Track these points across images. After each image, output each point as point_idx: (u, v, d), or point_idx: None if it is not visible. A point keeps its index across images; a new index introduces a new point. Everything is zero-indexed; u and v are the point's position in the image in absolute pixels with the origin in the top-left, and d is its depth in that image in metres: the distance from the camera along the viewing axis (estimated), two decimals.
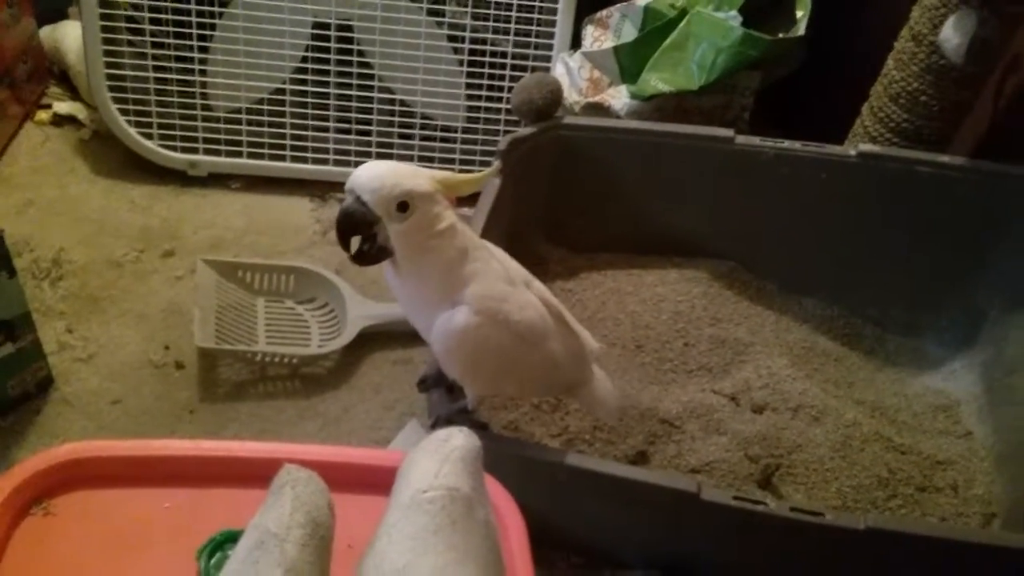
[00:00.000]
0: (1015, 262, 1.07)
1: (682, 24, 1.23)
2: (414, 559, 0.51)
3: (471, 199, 1.33)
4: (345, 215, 0.70)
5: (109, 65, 1.29)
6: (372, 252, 0.72)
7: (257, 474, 0.59)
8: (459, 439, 0.56)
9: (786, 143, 1.11)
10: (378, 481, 0.64)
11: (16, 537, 0.60)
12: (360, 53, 1.33)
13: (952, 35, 1.04)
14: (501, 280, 0.76)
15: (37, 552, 0.59)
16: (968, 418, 1.08)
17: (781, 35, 1.22)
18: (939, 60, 1.06)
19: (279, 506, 0.51)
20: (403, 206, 0.69)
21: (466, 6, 1.33)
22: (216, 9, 1.29)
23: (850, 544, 0.79)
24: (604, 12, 1.34)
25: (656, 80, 1.24)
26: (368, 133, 1.36)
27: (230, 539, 0.60)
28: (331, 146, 1.36)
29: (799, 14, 1.22)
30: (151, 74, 1.31)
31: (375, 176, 0.68)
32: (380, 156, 1.36)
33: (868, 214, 1.13)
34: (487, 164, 1.09)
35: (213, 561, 0.59)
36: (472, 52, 1.35)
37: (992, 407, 1.06)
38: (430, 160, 1.37)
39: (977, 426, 1.07)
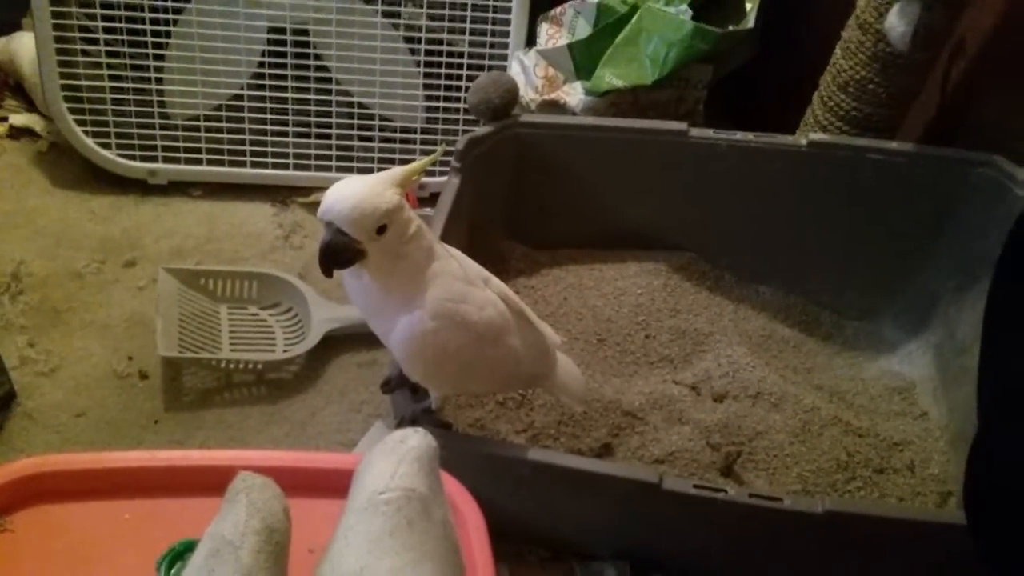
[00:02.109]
0: (964, 245, 1.09)
1: (634, 19, 1.24)
2: (371, 561, 0.51)
3: (431, 199, 1.35)
4: (329, 249, 0.69)
5: (64, 75, 1.29)
6: (347, 262, 0.71)
7: (216, 482, 0.60)
8: (415, 440, 0.57)
9: (739, 135, 1.12)
10: (338, 485, 0.65)
11: None
12: (317, 56, 1.33)
13: (897, 23, 1.05)
14: (459, 280, 0.77)
15: None
16: (923, 399, 1.10)
17: (731, 27, 1.23)
18: (885, 48, 1.08)
19: (234, 513, 0.52)
20: (382, 228, 0.69)
21: (421, 7, 1.33)
22: (171, 16, 1.29)
23: (810, 528, 0.81)
24: (558, 9, 1.35)
25: (610, 76, 1.25)
26: (328, 136, 1.36)
27: (189, 548, 0.60)
28: (291, 150, 1.36)
29: (748, 6, 1.24)
30: (107, 83, 1.31)
31: (353, 206, 0.68)
32: (340, 159, 1.37)
33: (821, 202, 1.14)
34: (447, 164, 1.10)
35: (173, 571, 0.60)
36: (428, 52, 1.35)
37: (946, 388, 1.09)
38: (390, 161, 1.37)
39: (932, 407, 1.09)
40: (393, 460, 0.55)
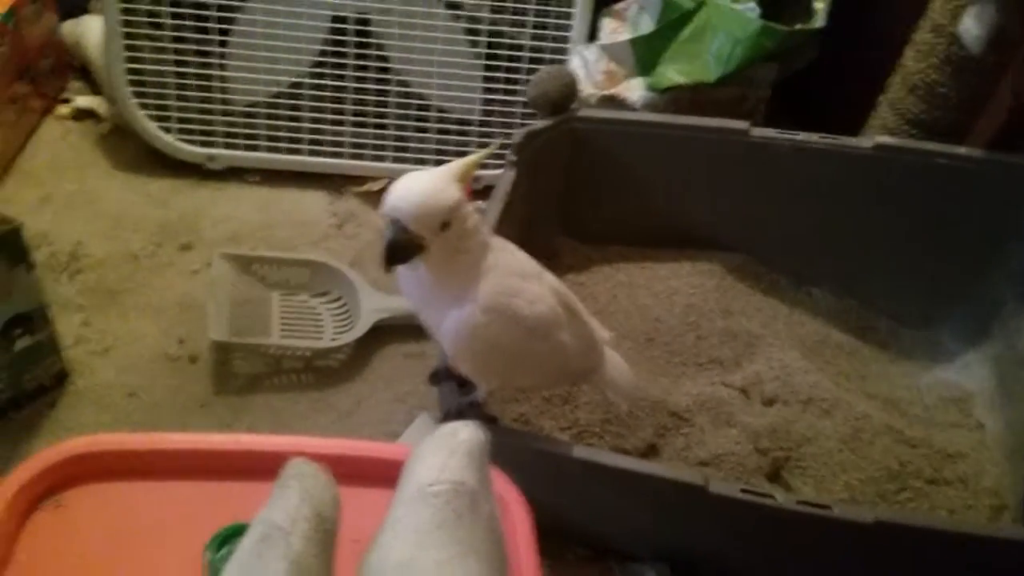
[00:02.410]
0: None
1: (699, 16, 1.23)
2: (418, 553, 0.51)
3: (485, 192, 1.35)
4: (394, 246, 0.69)
5: (129, 60, 1.31)
6: (408, 258, 0.71)
7: (266, 467, 0.60)
8: (466, 433, 0.57)
9: (802, 135, 1.10)
10: (386, 475, 0.65)
11: (27, 530, 0.61)
12: (378, 47, 1.33)
13: (972, 25, 1.03)
14: (513, 274, 0.77)
15: (48, 545, 0.60)
16: (980, 411, 1.08)
17: (799, 26, 1.21)
18: (958, 51, 1.05)
19: (285, 499, 0.52)
20: (445, 224, 0.69)
21: None
22: (236, 3, 1.30)
23: (859, 537, 0.79)
24: (621, 4, 1.34)
25: (672, 72, 1.23)
26: (384, 126, 1.37)
27: (238, 532, 0.60)
28: (347, 139, 1.36)
29: (818, 5, 1.22)
30: (171, 68, 1.32)
31: (419, 203, 0.67)
32: (396, 149, 1.37)
33: (883, 206, 1.12)
34: (502, 156, 1.09)
35: (220, 554, 0.60)
36: (489, 45, 1.35)
37: (1004, 400, 1.06)
38: (446, 152, 1.38)
39: (989, 419, 1.06)
40: (444, 452, 0.55)
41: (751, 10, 1.19)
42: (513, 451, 0.82)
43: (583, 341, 0.82)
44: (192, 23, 1.31)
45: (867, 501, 0.95)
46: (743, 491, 0.79)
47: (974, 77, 1.06)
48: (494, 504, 0.57)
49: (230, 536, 0.61)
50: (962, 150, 1.08)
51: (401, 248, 0.69)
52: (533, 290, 0.78)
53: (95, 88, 1.47)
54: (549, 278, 0.81)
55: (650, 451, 0.99)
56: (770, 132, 1.11)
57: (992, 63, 1.05)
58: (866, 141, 1.10)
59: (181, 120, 1.34)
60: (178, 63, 1.33)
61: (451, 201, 0.68)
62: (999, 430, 1.05)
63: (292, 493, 0.52)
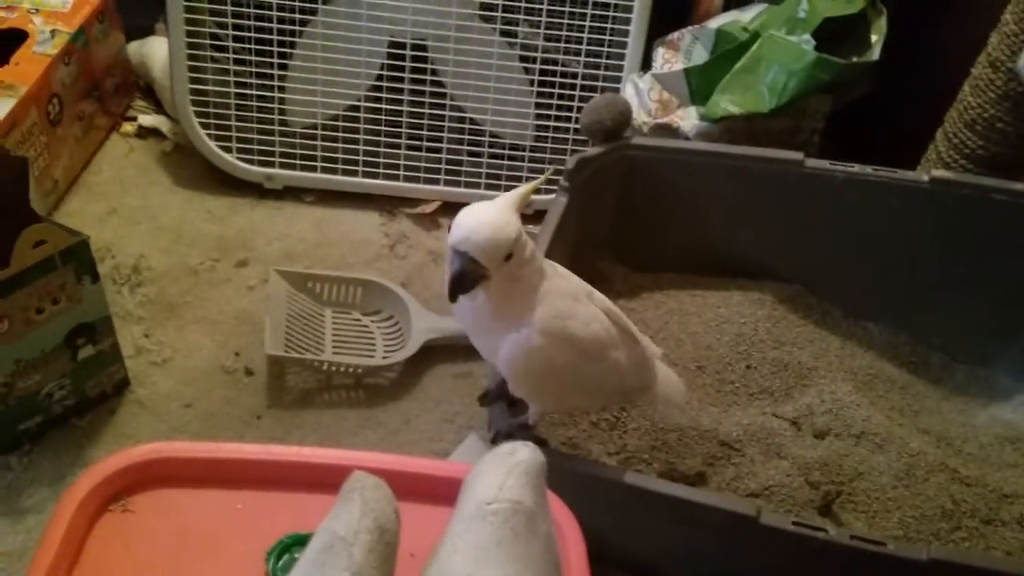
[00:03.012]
0: None
1: (754, 47, 1.23)
2: (477, 570, 0.52)
3: (536, 217, 1.36)
4: (460, 276, 0.70)
5: (193, 80, 1.34)
6: (472, 288, 0.72)
7: (325, 480, 0.61)
8: (524, 453, 0.58)
9: (856, 167, 1.10)
10: (441, 492, 0.66)
11: (96, 531, 0.63)
12: (433, 72, 1.36)
13: None
14: (566, 297, 0.78)
15: (116, 547, 0.62)
16: None
17: (855, 59, 1.21)
18: (1017, 87, 1.04)
19: (348, 511, 0.53)
20: (508, 255, 0.70)
21: (538, 27, 1.35)
22: (297, 28, 1.33)
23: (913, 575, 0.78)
24: (675, 34, 1.35)
25: (726, 102, 1.24)
26: (438, 150, 1.39)
27: (298, 542, 0.62)
28: (402, 162, 1.39)
29: (874, 38, 1.22)
30: (232, 89, 1.36)
31: (488, 237, 0.68)
32: (449, 172, 1.39)
33: (939, 240, 1.11)
34: (554, 182, 1.11)
35: (281, 563, 0.61)
36: (543, 72, 1.37)
37: None
38: (498, 177, 1.39)
39: None
40: (502, 472, 0.56)
41: (806, 42, 1.20)
42: (562, 475, 0.82)
43: (636, 359, 0.83)
44: (254, 46, 1.34)
45: (921, 539, 0.94)
46: (795, 523, 0.79)
47: None
48: (551, 525, 0.58)
49: (291, 545, 0.62)
50: (1019, 186, 1.07)
51: (468, 279, 0.70)
52: (586, 311, 0.78)
53: (159, 107, 1.51)
54: (599, 297, 0.82)
55: (699, 479, 0.99)
56: (824, 163, 1.11)
57: None
58: (922, 174, 1.09)
59: (241, 140, 1.37)
60: (239, 85, 1.36)
61: (515, 233, 0.70)
62: None
63: (355, 505, 0.53)
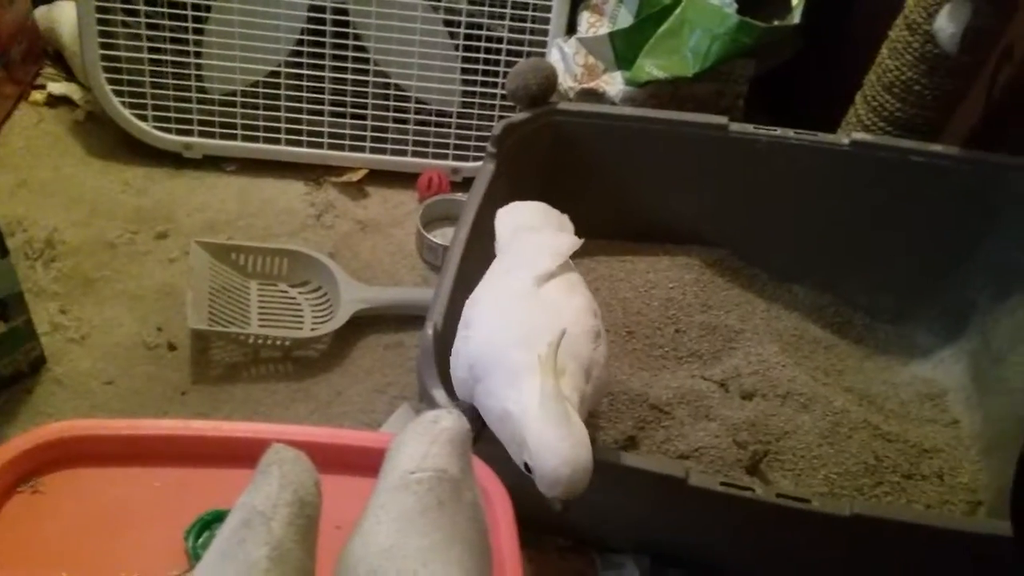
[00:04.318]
0: (1005, 252, 1.08)
1: (677, 11, 1.23)
2: (401, 540, 0.51)
3: (464, 184, 1.35)
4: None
5: (104, 46, 1.29)
6: None
7: (246, 454, 0.60)
8: (448, 421, 0.57)
9: (779, 131, 1.10)
10: (367, 463, 0.65)
11: (4, 514, 0.60)
12: (356, 37, 1.32)
13: (947, 24, 1.04)
14: None
15: (25, 529, 0.60)
16: (955, 407, 1.09)
17: (776, 23, 1.22)
18: (933, 49, 1.06)
19: (266, 485, 0.52)
20: None
21: None
22: None
23: (836, 530, 0.80)
24: None
25: (651, 66, 1.23)
26: (363, 117, 1.36)
27: (218, 519, 0.60)
28: (326, 129, 1.36)
29: (794, 2, 1.22)
30: (146, 55, 1.31)
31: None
32: (375, 140, 1.36)
33: (860, 203, 1.13)
34: (481, 149, 1.09)
35: (201, 540, 0.60)
36: (468, 37, 1.35)
37: (979, 396, 1.07)
38: (424, 144, 1.37)
39: (964, 415, 1.07)
40: (426, 440, 0.55)
41: (728, 6, 1.20)
42: (497, 444, 0.82)
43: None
44: (167, 9, 1.29)
45: (845, 495, 0.96)
46: (723, 484, 0.80)
47: (949, 76, 1.07)
48: (477, 493, 0.57)
49: (211, 522, 0.60)
50: (937, 147, 1.09)
51: None
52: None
53: (70, 75, 1.45)
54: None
55: (630, 443, 0.99)
56: (748, 128, 1.11)
57: (967, 62, 1.06)
58: (842, 137, 1.11)
59: (157, 108, 1.33)
60: (153, 50, 1.31)
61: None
62: (974, 426, 1.06)
63: (273, 479, 0.52)
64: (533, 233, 0.91)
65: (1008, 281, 1.06)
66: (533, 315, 0.76)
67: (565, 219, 0.98)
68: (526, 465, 0.66)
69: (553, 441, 0.64)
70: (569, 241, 0.89)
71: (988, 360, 1.07)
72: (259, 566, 0.47)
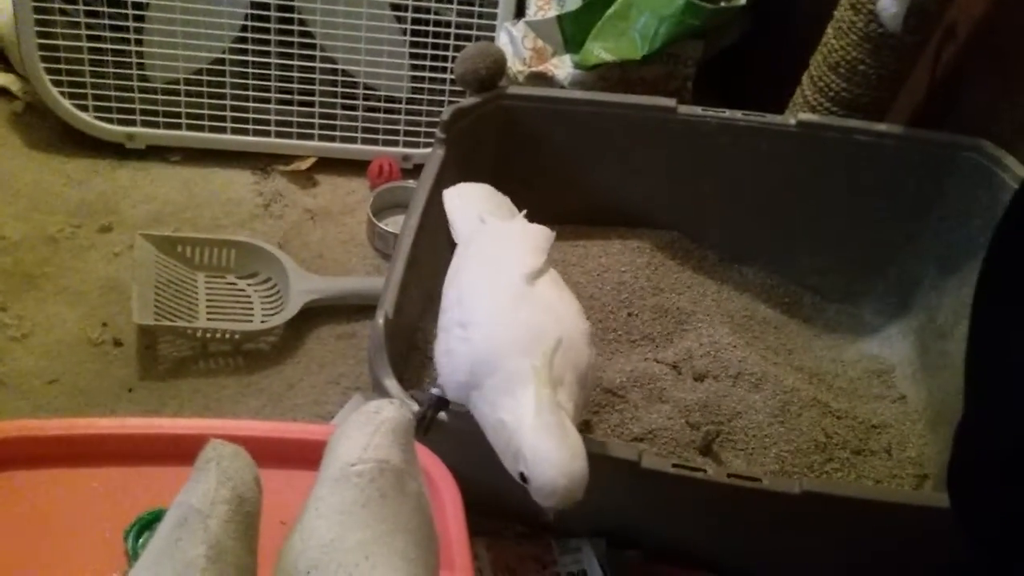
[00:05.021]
0: (948, 229, 1.09)
1: None
2: (342, 533, 0.50)
3: (415, 171, 1.34)
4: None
5: (41, 35, 1.26)
6: None
7: (187, 451, 0.58)
8: (389, 411, 0.56)
9: (727, 113, 1.11)
10: (311, 456, 0.63)
11: None
12: (301, 22, 1.30)
13: (890, 4, 1.04)
14: None
15: None
16: (902, 382, 1.10)
17: (723, 4, 1.22)
18: (877, 29, 1.07)
19: (204, 482, 0.51)
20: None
21: None
22: None
23: (788, 508, 0.81)
24: None
25: (599, 50, 1.23)
26: (311, 104, 1.34)
27: (158, 518, 0.58)
28: (273, 117, 1.34)
29: None
30: (85, 44, 1.28)
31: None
32: (323, 127, 1.35)
33: (807, 183, 1.14)
34: (432, 135, 1.08)
35: (141, 541, 0.59)
36: (415, 21, 1.33)
37: (925, 372, 1.09)
38: (374, 131, 1.36)
39: (911, 390, 1.09)
40: (367, 431, 0.54)
41: None
42: (450, 431, 0.82)
43: None
44: None
45: (796, 472, 0.97)
46: (675, 466, 0.80)
47: (893, 55, 1.08)
48: (421, 482, 0.56)
49: (151, 522, 0.59)
50: (882, 127, 1.10)
51: None
52: None
53: (7, 65, 1.41)
54: None
55: (584, 427, 0.99)
56: (696, 110, 1.11)
57: (910, 41, 1.07)
58: (789, 118, 1.11)
59: (97, 98, 1.30)
60: (92, 38, 1.28)
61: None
62: (921, 401, 1.07)
63: (211, 476, 0.51)
64: (499, 221, 0.89)
65: (953, 258, 1.08)
66: (533, 319, 0.74)
67: (509, 201, 0.96)
68: (521, 475, 0.66)
69: (549, 453, 0.63)
70: (546, 233, 0.87)
71: (933, 336, 1.09)
72: (196, 565, 0.46)
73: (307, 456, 0.64)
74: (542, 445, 0.64)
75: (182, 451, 0.61)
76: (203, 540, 0.48)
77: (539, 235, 0.85)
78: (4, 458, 0.62)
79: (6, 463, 0.62)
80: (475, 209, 0.90)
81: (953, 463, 0.60)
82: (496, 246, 0.84)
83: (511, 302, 0.76)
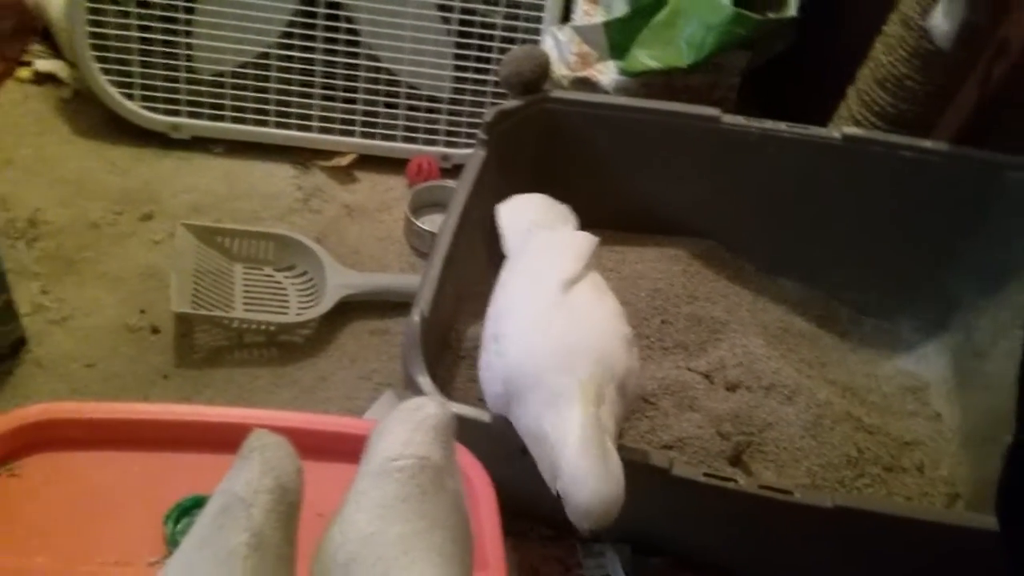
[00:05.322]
0: (989, 249, 1.08)
1: (673, 1, 1.22)
2: (382, 527, 0.51)
3: (454, 171, 1.34)
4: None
5: (92, 23, 1.27)
6: None
7: (227, 439, 0.59)
8: (431, 408, 0.57)
9: (771, 124, 1.10)
10: (350, 449, 0.64)
11: None
12: (347, 20, 1.31)
13: (942, 20, 1.04)
14: None
15: (1, 513, 0.59)
16: (937, 400, 1.09)
17: (772, 15, 1.21)
18: (927, 45, 1.06)
19: (247, 470, 0.51)
20: None
21: None
22: None
23: (818, 522, 0.80)
24: None
25: (645, 56, 1.23)
26: (353, 101, 1.35)
27: (197, 504, 0.60)
28: (315, 113, 1.35)
29: None
30: (135, 33, 1.29)
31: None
32: (364, 124, 1.35)
33: (849, 197, 1.13)
34: (472, 135, 1.09)
35: (180, 526, 0.59)
36: (461, 23, 1.34)
37: (960, 390, 1.08)
38: (415, 130, 1.36)
39: (945, 408, 1.08)
40: (408, 427, 0.55)
41: None
42: (480, 433, 0.82)
43: None
44: None
45: (827, 487, 0.96)
46: (705, 475, 0.80)
47: (942, 71, 1.07)
48: (459, 480, 0.57)
49: (190, 508, 0.60)
50: (927, 143, 1.09)
51: None
52: None
53: (57, 52, 1.43)
54: None
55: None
56: (740, 120, 1.11)
57: (960, 58, 1.06)
58: (834, 131, 1.11)
59: (145, 87, 1.31)
60: (142, 28, 1.30)
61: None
62: (955, 420, 1.06)
63: (254, 465, 0.52)
64: (547, 231, 0.89)
65: (994, 278, 1.06)
66: (569, 329, 0.74)
67: (567, 210, 0.96)
68: (557, 492, 0.66)
69: (588, 477, 0.64)
70: (588, 240, 0.87)
71: (970, 355, 1.08)
72: (238, 553, 0.47)
73: (345, 449, 0.65)
74: (582, 468, 0.64)
75: (222, 439, 0.62)
76: (245, 528, 0.48)
77: (582, 242, 0.85)
78: (46, 439, 0.63)
79: (48, 444, 0.63)
80: (525, 221, 0.90)
81: (1003, 486, 0.59)
82: (537, 256, 0.84)
83: (544, 314, 0.76)
